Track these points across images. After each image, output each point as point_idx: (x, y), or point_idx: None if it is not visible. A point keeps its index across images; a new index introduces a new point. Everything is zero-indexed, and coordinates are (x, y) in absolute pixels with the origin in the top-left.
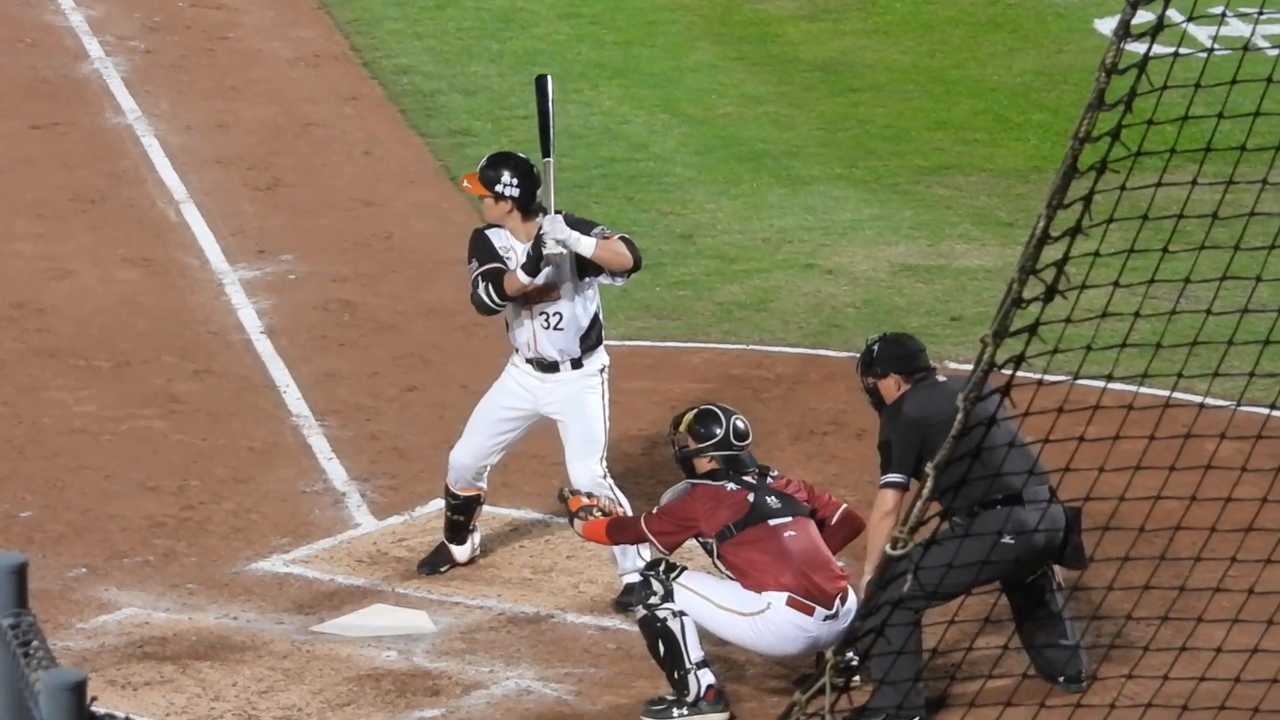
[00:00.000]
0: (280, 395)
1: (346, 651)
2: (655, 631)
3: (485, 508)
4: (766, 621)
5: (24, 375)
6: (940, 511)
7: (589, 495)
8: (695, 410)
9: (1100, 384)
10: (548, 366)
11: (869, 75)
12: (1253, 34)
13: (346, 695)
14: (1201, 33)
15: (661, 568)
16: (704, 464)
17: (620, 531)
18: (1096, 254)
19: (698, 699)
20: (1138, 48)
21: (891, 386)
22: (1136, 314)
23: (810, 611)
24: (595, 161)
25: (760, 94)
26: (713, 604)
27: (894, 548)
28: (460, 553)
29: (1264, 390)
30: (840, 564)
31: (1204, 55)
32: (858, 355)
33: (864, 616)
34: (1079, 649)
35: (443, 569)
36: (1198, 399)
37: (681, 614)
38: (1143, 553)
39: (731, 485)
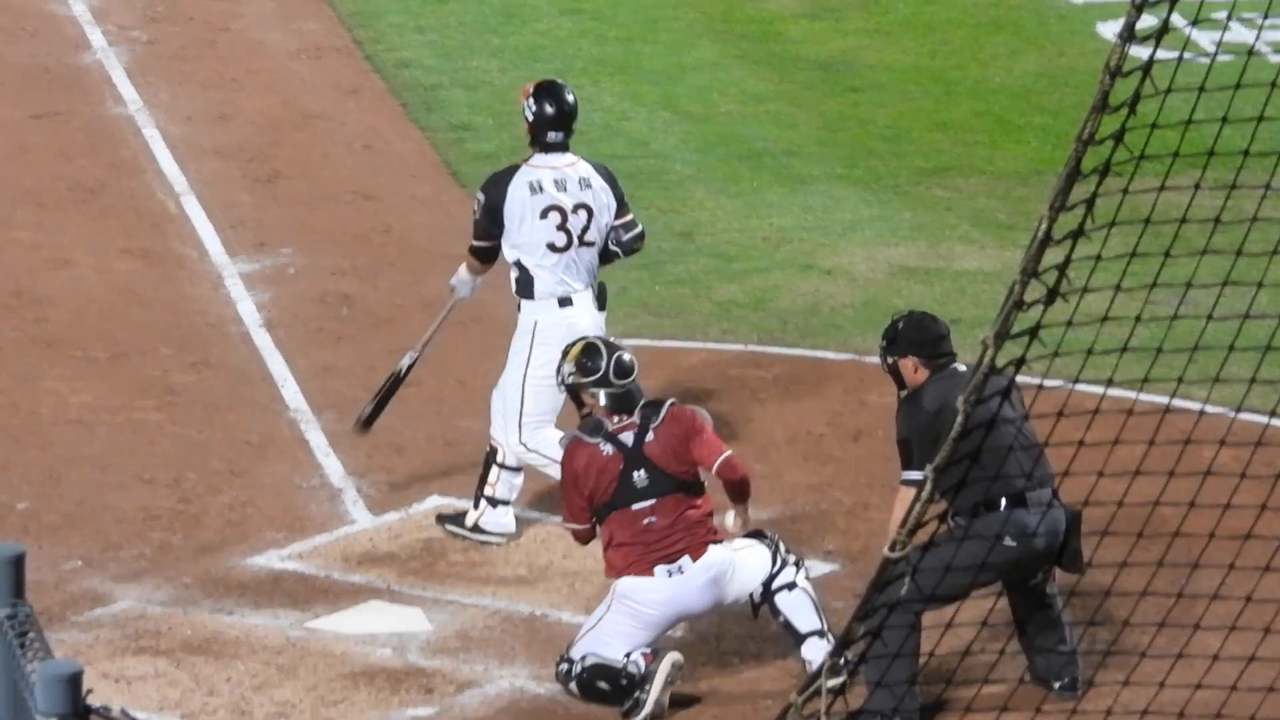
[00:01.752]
0: (277, 389)
1: (341, 648)
2: (590, 680)
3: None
4: (621, 601)
5: (21, 365)
6: (941, 512)
7: None
8: (583, 343)
9: (1100, 389)
10: None
11: (870, 75)
12: (1256, 39)
13: (340, 692)
14: (1204, 38)
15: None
16: (589, 399)
17: (579, 538)
18: (1098, 258)
19: (645, 674)
20: (1141, 52)
21: (909, 368)
22: (1137, 319)
23: (650, 573)
24: (596, 158)
25: (761, 92)
26: (591, 630)
27: (892, 550)
28: (471, 515)
29: (1263, 398)
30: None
31: (1207, 60)
32: (856, 356)
33: (861, 619)
34: (1076, 655)
35: (449, 526)
36: (1197, 405)
37: (586, 655)
38: (1140, 559)
39: (606, 448)
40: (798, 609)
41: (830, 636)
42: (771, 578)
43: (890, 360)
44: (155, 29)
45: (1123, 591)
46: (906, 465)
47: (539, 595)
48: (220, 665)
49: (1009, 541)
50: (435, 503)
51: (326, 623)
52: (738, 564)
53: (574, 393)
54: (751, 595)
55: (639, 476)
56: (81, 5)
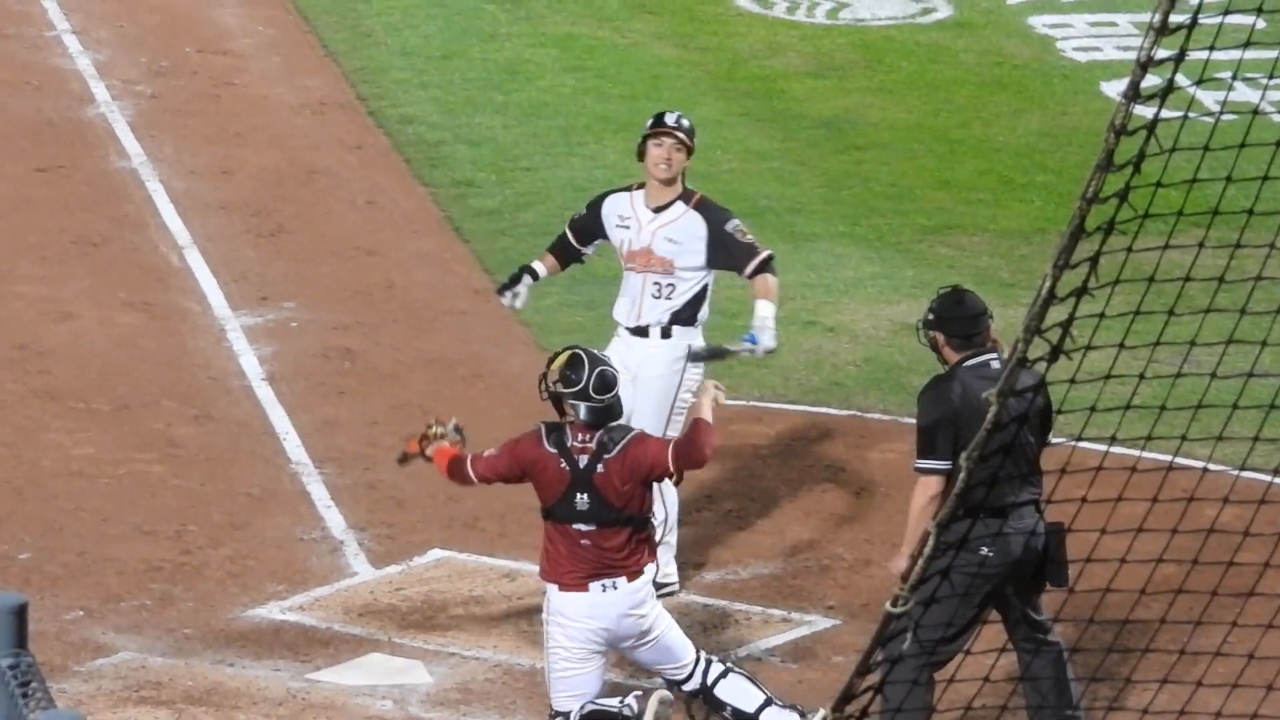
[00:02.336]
0: (279, 442)
1: (341, 700)
2: None
3: (482, 559)
4: (553, 618)
5: (23, 417)
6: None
7: (435, 423)
8: (569, 352)
9: (1103, 447)
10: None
11: (873, 133)
12: (1261, 99)
13: None
14: (1209, 97)
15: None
16: (569, 410)
17: (458, 474)
18: (1101, 316)
19: (637, 714)
20: (1146, 111)
21: (939, 342)
22: (1140, 377)
23: (584, 588)
24: None
25: (764, 150)
26: (550, 670)
27: (894, 605)
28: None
29: (1266, 457)
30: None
31: (1211, 120)
32: (858, 412)
33: (862, 674)
34: (1079, 713)
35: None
36: (1200, 464)
37: (584, 705)
38: (1142, 616)
39: (563, 463)
40: (737, 692)
41: (778, 701)
42: (705, 678)
43: (930, 335)
44: (159, 83)
45: (1125, 648)
46: (925, 454)
47: (540, 649)
48: (221, 716)
49: (985, 550)
50: (436, 556)
51: (327, 674)
52: (659, 607)
53: (556, 402)
54: (684, 696)
55: (581, 500)
56: (86, 59)
